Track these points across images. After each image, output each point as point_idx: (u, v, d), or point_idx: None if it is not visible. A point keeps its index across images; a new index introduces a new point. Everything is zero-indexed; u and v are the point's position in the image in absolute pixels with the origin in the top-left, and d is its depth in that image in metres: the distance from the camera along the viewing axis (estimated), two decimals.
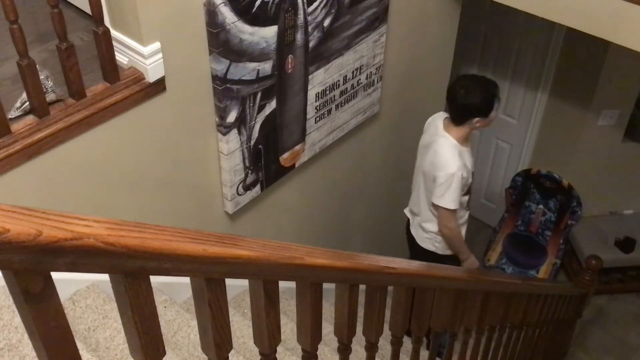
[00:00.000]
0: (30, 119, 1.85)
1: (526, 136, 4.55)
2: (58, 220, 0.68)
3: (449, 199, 2.86)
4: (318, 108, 2.76)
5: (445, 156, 2.85)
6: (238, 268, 0.98)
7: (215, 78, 2.21)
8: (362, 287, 1.42)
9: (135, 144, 2.14)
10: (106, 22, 1.92)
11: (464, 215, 3.12)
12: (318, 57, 2.59)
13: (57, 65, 1.89)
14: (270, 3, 2.21)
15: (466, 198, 3.02)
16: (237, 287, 2.76)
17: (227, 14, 2.08)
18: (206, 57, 2.17)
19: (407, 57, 3.24)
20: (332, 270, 1.23)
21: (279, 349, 1.38)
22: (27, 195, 1.90)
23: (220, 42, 2.12)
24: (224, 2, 2.05)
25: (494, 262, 4.59)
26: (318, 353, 1.35)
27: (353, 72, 2.84)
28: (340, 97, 2.86)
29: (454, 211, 2.93)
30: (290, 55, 2.44)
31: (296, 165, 2.83)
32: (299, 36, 2.43)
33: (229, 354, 1.07)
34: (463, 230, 3.14)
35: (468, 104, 2.80)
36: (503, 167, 4.82)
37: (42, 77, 1.83)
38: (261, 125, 2.50)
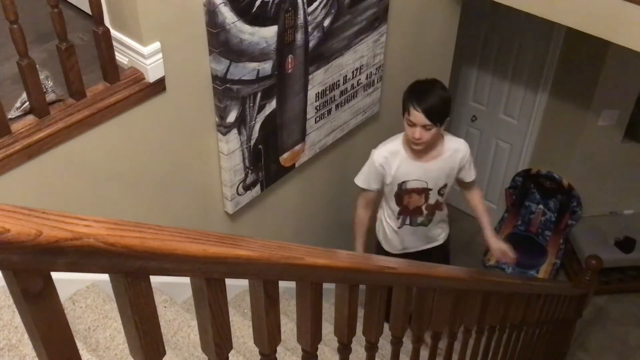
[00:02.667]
0: (30, 119, 1.85)
1: (526, 136, 4.56)
2: (58, 220, 0.68)
3: (360, 173, 2.87)
4: (318, 108, 2.76)
5: (383, 141, 2.86)
6: (238, 268, 0.98)
7: (215, 78, 2.21)
8: (362, 287, 1.42)
9: (135, 144, 2.14)
10: (106, 22, 1.92)
11: (393, 223, 2.99)
12: (318, 57, 2.59)
13: (57, 65, 1.89)
14: (270, 3, 2.21)
15: (394, 205, 2.90)
16: (237, 287, 2.76)
17: (227, 14, 2.09)
18: (206, 57, 2.17)
19: (407, 57, 3.24)
20: (332, 270, 1.23)
21: (279, 349, 1.38)
22: (27, 195, 1.90)
23: (220, 42, 2.12)
24: (224, 2, 2.05)
25: (494, 262, 4.60)
26: (318, 353, 1.35)
27: (353, 72, 2.85)
28: (340, 97, 2.86)
29: (361, 191, 2.88)
30: (290, 55, 2.44)
31: (296, 165, 2.83)
32: (299, 36, 2.43)
33: (229, 354, 1.07)
34: (393, 238, 3.04)
35: None
36: (503, 167, 4.82)
37: (42, 77, 1.83)
38: (261, 125, 2.50)
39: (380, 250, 3.13)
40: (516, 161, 4.72)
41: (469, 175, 2.92)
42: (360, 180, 2.85)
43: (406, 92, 2.67)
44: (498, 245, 3.02)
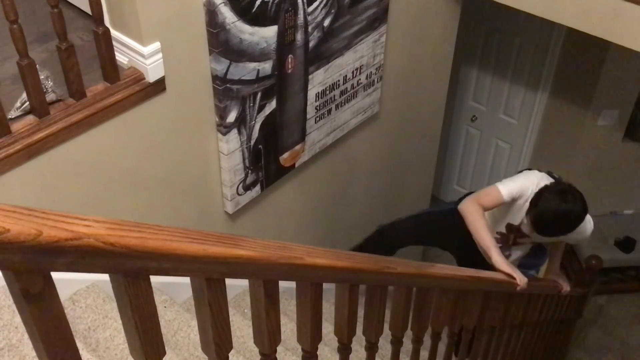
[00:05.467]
0: (30, 119, 1.85)
1: (526, 136, 4.55)
2: (58, 220, 0.68)
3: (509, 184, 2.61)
4: (318, 108, 2.76)
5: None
6: (238, 268, 0.98)
7: (215, 78, 2.21)
8: (362, 287, 1.42)
9: (135, 144, 2.14)
10: (106, 22, 1.92)
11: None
12: (318, 57, 2.59)
13: (57, 65, 1.89)
14: (270, 3, 2.21)
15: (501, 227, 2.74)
16: (237, 287, 2.75)
17: (227, 14, 2.09)
18: (206, 57, 2.17)
19: (407, 57, 3.24)
20: (332, 270, 1.23)
21: (279, 349, 1.38)
22: (27, 195, 1.90)
23: (220, 42, 2.12)
24: (224, 2, 2.05)
25: None
26: (318, 353, 1.35)
27: (353, 72, 2.84)
28: (340, 97, 2.86)
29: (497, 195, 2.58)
30: (290, 55, 2.44)
31: (296, 165, 2.83)
32: (299, 36, 2.43)
33: (229, 354, 1.07)
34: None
35: None
36: (503, 167, 4.82)
37: (42, 77, 1.83)
38: (261, 125, 2.50)
39: None
40: (516, 161, 4.72)
41: (569, 240, 2.73)
42: (506, 189, 2.55)
43: (544, 194, 2.40)
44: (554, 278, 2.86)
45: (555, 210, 2.35)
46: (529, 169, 2.74)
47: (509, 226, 2.71)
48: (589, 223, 2.60)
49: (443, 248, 3.18)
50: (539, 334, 3.27)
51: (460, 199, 2.92)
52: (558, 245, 2.92)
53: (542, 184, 2.52)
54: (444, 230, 2.99)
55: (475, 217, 2.50)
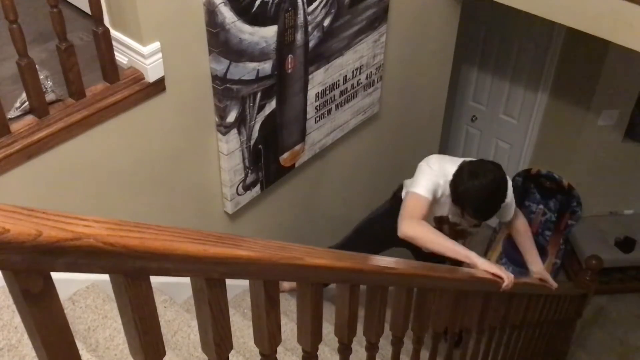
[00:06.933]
0: (30, 119, 1.85)
1: (526, 136, 4.56)
2: (58, 220, 0.68)
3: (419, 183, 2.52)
4: (318, 108, 2.76)
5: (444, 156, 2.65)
6: (238, 268, 0.98)
7: (215, 78, 2.21)
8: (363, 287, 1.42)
9: (135, 144, 2.14)
10: (106, 22, 1.92)
11: None
12: (318, 57, 2.59)
13: (57, 65, 1.89)
14: (270, 3, 2.21)
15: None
16: (237, 287, 2.75)
17: (227, 14, 2.08)
18: (206, 57, 2.17)
19: (407, 57, 3.24)
20: (332, 270, 1.23)
21: (279, 349, 1.38)
22: (27, 195, 1.90)
23: (220, 42, 2.12)
24: (223, 2, 2.05)
25: (494, 262, 4.59)
26: (318, 353, 1.34)
27: (353, 72, 2.84)
28: (340, 97, 2.86)
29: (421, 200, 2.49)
30: (290, 55, 2.43)
31: (296, 165, 2.83)
32: (299, 36, 2.43)
33: (229, 354, 1.07)
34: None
35: None
36: (503, 167, 4.80)
37: (41, 77, 1.83)
38: (261, 125, 2.50)
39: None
40: (516, 161, 4.72)
41: (505, 217, 2.75)
42: (423, 189, 2.45)
43: (462, 185, 2.36)
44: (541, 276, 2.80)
45: (482, 189, 2.34)
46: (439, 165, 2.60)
47: (439, 219, 2.67)
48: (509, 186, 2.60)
49: (398, 245, 3.05)
50: (539, 334, 3.27)
51: (395, 193, 2.90)
52: (520, 234, 2.83)
53: (447, 168, 2.46)
54: (390, 229, 2.91)
55: (425, 232, 2.35)
